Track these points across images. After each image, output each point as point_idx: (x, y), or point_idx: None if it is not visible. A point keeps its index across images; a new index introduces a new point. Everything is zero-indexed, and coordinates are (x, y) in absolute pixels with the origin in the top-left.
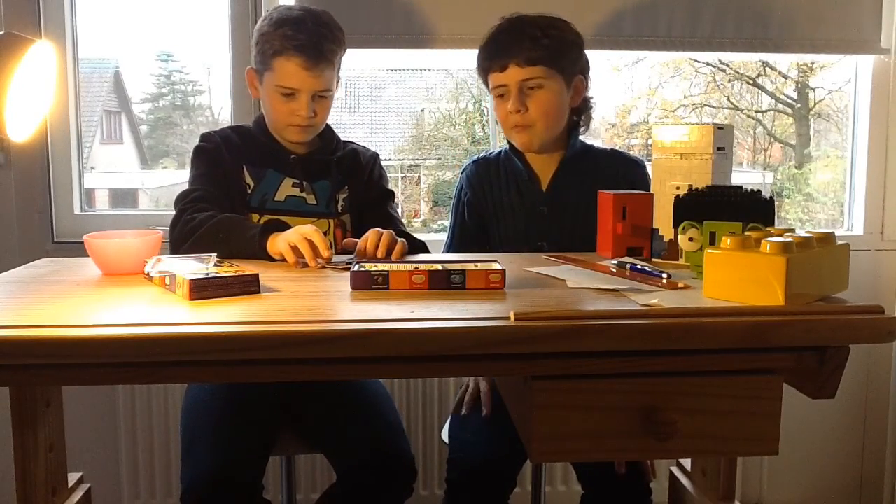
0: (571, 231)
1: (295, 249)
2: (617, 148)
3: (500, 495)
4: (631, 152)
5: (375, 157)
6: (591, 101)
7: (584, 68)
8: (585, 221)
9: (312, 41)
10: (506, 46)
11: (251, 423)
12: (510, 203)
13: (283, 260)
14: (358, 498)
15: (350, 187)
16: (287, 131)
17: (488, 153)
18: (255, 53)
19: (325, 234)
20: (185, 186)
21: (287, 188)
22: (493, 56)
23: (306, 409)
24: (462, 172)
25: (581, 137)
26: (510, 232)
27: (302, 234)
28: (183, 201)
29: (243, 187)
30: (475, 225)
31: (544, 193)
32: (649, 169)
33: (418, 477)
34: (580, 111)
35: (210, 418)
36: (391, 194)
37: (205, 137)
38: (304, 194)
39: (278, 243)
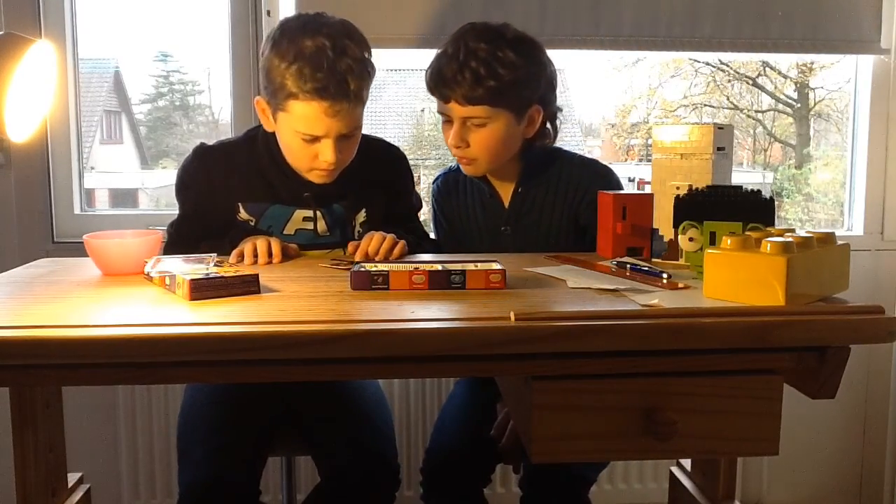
0: (531, 249)
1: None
2: (584, 155)
3: (472, 485)
4: (597, 160)
5: (400, 160)
6: (559, 115)
7: (543, 95)
8: (547, 243)
9: (336, 80)
10: (447, 80)
11: (248, 426)
12: (476, 220)
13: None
14: (338, 502)
15: (367, 208)
16: (310, 175)
17: (453, 166)
18: (265, 84)
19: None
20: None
21: (297, 222)
22: (435, 85)
23: (303, 410)
24: (433, 183)
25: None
26: (480, 247)
27: (262, 239)
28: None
29: (239, 224)
30: (455, 233)
31: (506, 211)
32: (648, 170)
33: (419, 478)
34: (539, 135)
35: (206, 422)
36: (416, 208)
37: (189, 165)
38: (315, 227)
39: (241, 244)
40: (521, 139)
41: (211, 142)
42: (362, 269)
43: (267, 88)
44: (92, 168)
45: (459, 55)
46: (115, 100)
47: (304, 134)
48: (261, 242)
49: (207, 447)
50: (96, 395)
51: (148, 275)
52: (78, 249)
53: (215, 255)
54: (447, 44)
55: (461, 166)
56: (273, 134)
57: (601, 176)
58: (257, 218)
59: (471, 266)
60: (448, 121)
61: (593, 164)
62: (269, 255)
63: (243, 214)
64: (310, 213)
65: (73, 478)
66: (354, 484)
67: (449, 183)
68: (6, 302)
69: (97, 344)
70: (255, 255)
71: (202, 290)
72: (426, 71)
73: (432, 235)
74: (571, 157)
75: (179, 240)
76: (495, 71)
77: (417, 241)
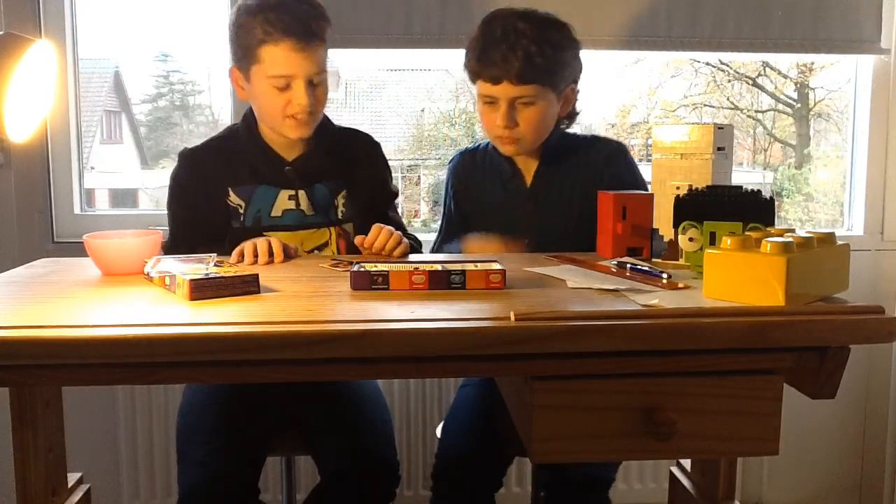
0: (554, 227)
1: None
2: (596, 134)
3: (484, 491)
4: (610, 136)
5: (376, 146)
6: (577, 97)
7: (576, 76)
8: (569, 218)
9: (299, 19)
10: (499, 61)
11: (248, 426)
12: (495, 198)
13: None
14: (338, 502)
15: (348, 189)
16: (285, 126)
17: (474, 145)
18: (235, 49)
19: (326, 244)
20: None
21: (283, 202)
22: (486, 67)
23: (301, 410)
24: (449, 163)
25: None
26: (495, 227)
27: (262, 239)
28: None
29: (230, 212)
30: (465, 216)
31: (528, 190)
32: (648, 170)
33: (419, 478)
34: (569, 115)
35: (206, 422)
36: (394, 195)
37: (179, 169)
38: (302, 208)
39: (241, 244)
40: (556, 118)
41: (193, 145)
42: (362, 269)
43: (237, 53)
44: (92, 168)
45: (509, 37)
46: (115, 100)
47: (277, 78)
48: (261, 242)
49: (207, 448)
50: (96, 395)
51: (148, 275)
52: (78, 249)
53: (215, 255)
54: (486, 30)
55: (501, 146)
56: (252, 117)
57: (618, 152)
58: (246, 202)
59: (471, 266)
60: (491, 103)
61: (608, 141)
62: (270, 254)
63: (233, 199)
64: (292, 192)
65: (73, 478)
66: (354, 484)
67: (466, 164)
68: (6, 302)
69: (97, 344)
70: (256, 255)
71: (202, 290)
72: (467, 57)
73: (439, 219)
74: (585, 137)
75: (178, 249)
76: (544, 50)
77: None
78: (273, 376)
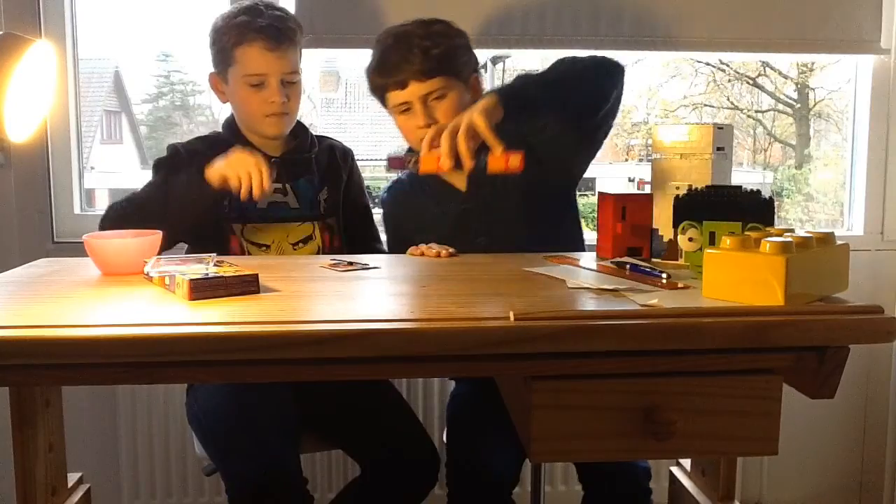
0: (504, 217)
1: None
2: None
3: (501, 492)
4: (609, 137)
5: (351, 155)
6: (483, 87)
7: (476, 66)
8: (512, 203)
9: (271, 23)
10: (400, 63)
11: (280, 422)
12: (433, 214)
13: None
14: (384, 489)
15: (329, 188)
16: (263, 124)
17: (401, 176)
18: (214, 54)
19: (311, 237)
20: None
21: (269, 194)
22: (390, 75)
23: (321, 407)
24: (385, 197)
25: None
26: (442, 241)
27: (248, 165)
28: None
29: (218, 201)
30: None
31: (464, 193)
32: (648, 170)
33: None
34: None
35: (240, 421)
36: (369, 207)
37: (171, 152)
38: (286, 199)
39: (220, 168)
40: None
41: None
42: (397, 156)
43: (216, 59)
44: (92, 168)
45: (401, 41)
46: (114, 100)
47: (252, 77)
48: (253, 172)
49: (249, 445)
50: (96, 395)
51: (148, 275)
52: (78, 249)
53: (215, 255)
54: (380, 45)
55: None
56: (233, 119)
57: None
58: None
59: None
60: (405, 111)
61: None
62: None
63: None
64: (279, 185)
65: (73, 478)
66: (400, 472)
67: (396, 194)
68: (6, 302)
69: (97, 344)
70: (249, 185)
71: (202, 289)
72: (368, 75)
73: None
74: None
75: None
76: (437, 41)
77: (375, 247)
78: (273, 376)
